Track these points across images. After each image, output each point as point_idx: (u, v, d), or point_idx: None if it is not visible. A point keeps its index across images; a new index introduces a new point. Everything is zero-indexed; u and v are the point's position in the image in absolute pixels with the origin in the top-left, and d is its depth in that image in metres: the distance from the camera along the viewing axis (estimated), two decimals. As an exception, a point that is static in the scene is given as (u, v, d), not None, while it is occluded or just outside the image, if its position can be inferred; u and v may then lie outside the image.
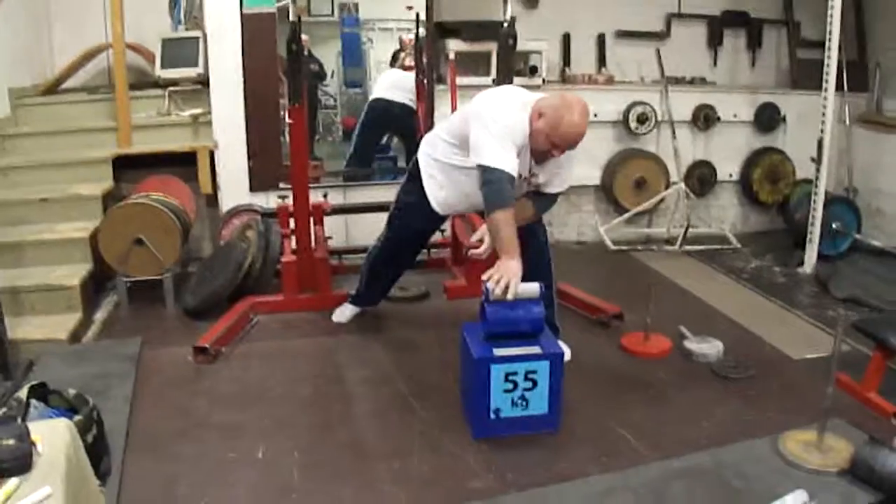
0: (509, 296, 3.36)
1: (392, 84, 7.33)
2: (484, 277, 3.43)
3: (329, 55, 8.48)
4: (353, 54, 8.50)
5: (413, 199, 4.16)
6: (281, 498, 3.03)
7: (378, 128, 7.46)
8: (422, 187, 4.07)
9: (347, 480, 3.15)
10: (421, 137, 4.45)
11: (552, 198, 3.93)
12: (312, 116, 8.12)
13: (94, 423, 3.08)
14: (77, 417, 2.98)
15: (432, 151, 4.05)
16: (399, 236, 4.41)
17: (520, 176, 3.64)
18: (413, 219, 4.27)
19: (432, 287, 5.33)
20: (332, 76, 8.61)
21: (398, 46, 8.13)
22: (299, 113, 4.73)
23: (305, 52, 7.81)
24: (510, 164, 3.51)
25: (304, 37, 7.67)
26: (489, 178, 3.49)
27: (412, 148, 5.03)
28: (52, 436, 2.31)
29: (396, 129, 7.45)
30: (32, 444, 2.21)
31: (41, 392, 3.16)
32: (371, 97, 7.55)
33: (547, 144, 3.57)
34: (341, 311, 4.85)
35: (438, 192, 4.04)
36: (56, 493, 2.09)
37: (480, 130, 3.57)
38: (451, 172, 3.94)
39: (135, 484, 3.11)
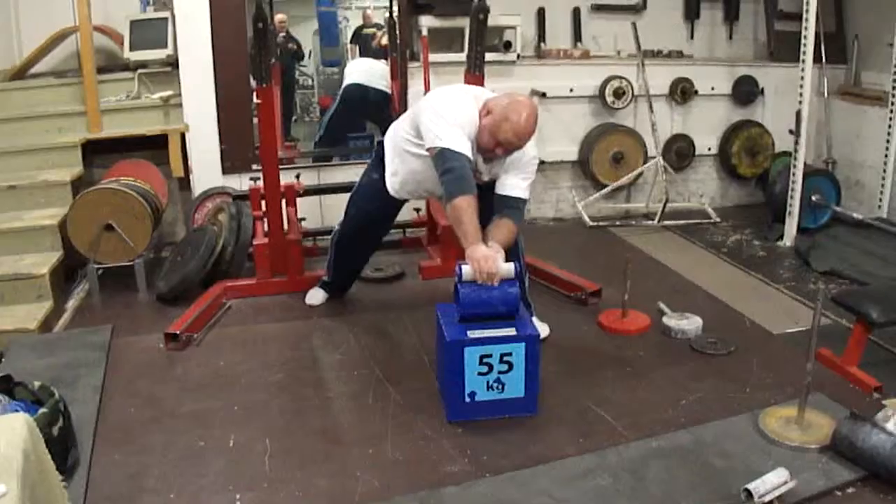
0: (495, 281, 3.32)
1: (367, 70, 7.27)
2: (466, 274, 3.36)
3: (306, 35, 8.41)
4: (330, 33, 8.43)
5: (373, 180, 4.20)
6: (251, 487, 2.97)
7: (353, 114, 7.39)
8: (383, 170, 4.10)
9: (320, 467, 3.10)
10: (395, 118, 4.40)
11: (519, 206, 3.78)
12: (290, 97, 8.06)
13: (60, 415, 3.01)
14: (42, 410, 2.92)
15: (393, 136, 4.06)
16: (358, 217, 4.38)
17: None
18: (371, 200, 4.26)
19: (407, 267, 5.28)
20: (309, 56, 8.54)
21: (361, 22, 8.08)
22: (268, 93, 4.65)
23: (284, 32, 7.77)
24: (465, 147, 3.51)
25: (281, 16, 7.69)
26: (451, 165, 3.46)
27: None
28: (9, 432, 2.24)
29: (372, 116, 7.39)
30: (-13, 440, 2.14)
31: (6, 385, 3.10)
32: (345, 83, 7.47)
33: (491, 142, 3.55)
34: (314, 293, 4.80)
35: (393, 176, 4.06)
36: (11, 491, 2.02)
37: (434, 119, 3.57)
38: (406, 158, 3.94)
39: (103, 476, 3.04)
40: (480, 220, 3.48)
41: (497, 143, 3.53)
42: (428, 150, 3.60)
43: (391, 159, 4.06)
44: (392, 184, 4.08)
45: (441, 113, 3.56)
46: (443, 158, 3.49)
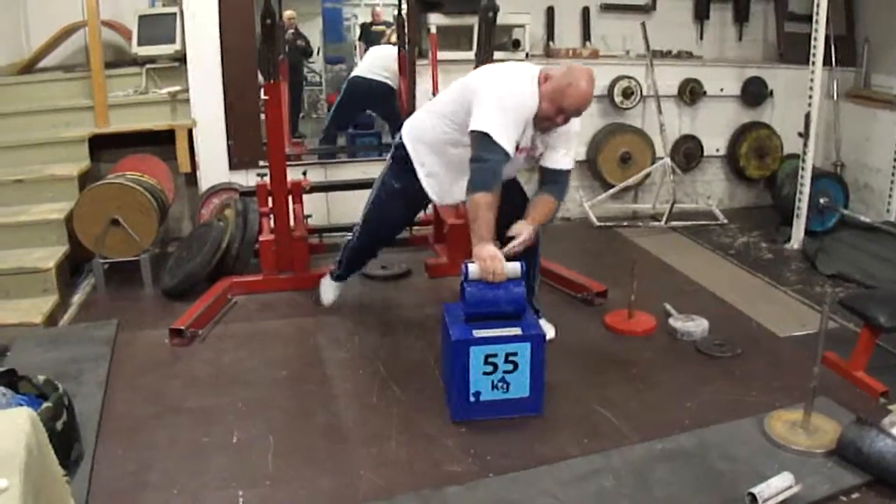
0: (499, 279, 3.31)
1: (372, 62, 7.29)
2: (473, 273, 3.35)
3: (315, 32, 8.42)
4: (335, 29, 8.44)
5: (399, 186, 4.01)
6: (254, 485, 2.96)
7: (355, 106, 7.41)
8: (410, 173, 3.91)
9: (324, 466, 3.09)
10: (405, 116, 4.36)
11: (563, 179, 3.79)
12: (298, 93, 8.07)
13: (63, 410, 3.01)
14: (46, 404, 2.91)
15: (422, 135, 3.89)
16: (377, 232, 4.27)
17: (518, 149, 3.55)
18: (396, 205, 4.10)
19: (414, 265, 5.27)
20: (318, 53, 8.56)
21: (370, 19, 8.09)
22: (275, 89, 4.64)
23: (293, 29, 7.78)
24: (510, 142, 3.44)
25: (290, 13, 7.71)
26: (485, 155, 3.40)
27: (396, 127, 4.92)
28: (12, 426, 2.24)
29: (376, 107, 7.40)
30: (-10, 435, 2.14)
31: (10, 379, 3.09)
32: (351, 75, 7.50)
33: (552, 110, 3.49)
34: (326, 290, 4.66)
35: (433, 178, 3.90)
36: (13, 486, 2.02)
37: (490, 100, 3.46)
38: (445, 150, 3.80)
39: (106, 471, 3.05)
40: (501, 217, 3.46)
41: (559, 110, 3.48)
42: (471, 129, 3.49)
43: (425, 160, 3.89)
44: (433, 186, 3.91)
45: (501, 96, 3.48)
46: (481, 144, 3.43)
